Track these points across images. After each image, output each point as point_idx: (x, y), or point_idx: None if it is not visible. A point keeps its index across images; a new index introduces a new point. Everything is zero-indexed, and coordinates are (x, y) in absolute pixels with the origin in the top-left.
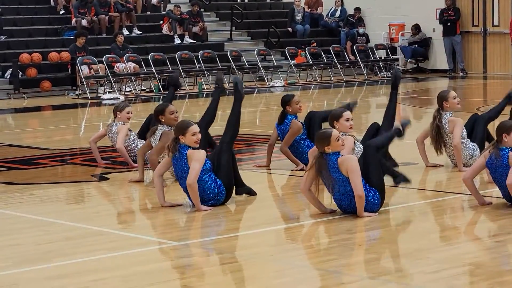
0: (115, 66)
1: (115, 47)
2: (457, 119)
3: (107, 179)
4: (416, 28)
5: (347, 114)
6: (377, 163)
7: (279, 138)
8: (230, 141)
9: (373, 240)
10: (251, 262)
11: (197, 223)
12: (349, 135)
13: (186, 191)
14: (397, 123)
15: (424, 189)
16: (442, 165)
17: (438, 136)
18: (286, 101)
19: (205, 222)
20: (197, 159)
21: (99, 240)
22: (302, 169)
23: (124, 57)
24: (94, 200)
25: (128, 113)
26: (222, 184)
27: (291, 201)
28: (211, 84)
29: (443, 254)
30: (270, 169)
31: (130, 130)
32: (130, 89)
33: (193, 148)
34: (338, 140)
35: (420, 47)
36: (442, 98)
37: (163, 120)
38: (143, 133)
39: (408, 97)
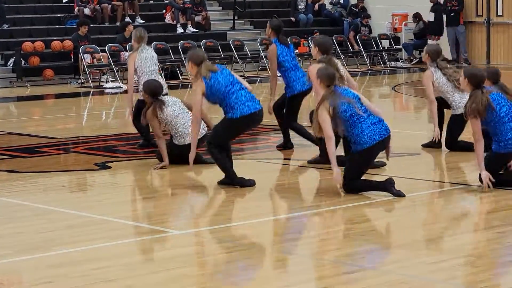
0: (121, 55)
1: (121, 39)
2: (426, 73)
3: (109, 167)
4: (417, 17)
5: None
6: None
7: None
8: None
9: (374, 230)
10: (251, 251)
11: (199, 212)
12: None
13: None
14: None
15: (425, 180)
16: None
17: None
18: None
19: (206, 211)
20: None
21: (101, 229)
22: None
23: (127, 46)
24: (96, 189)
25: None
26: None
27: (291, 191)
28: None
29: (443, 245)
30: (271, 159)
31: None
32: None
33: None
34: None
35: (420, 38)
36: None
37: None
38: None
39: (411, 87)
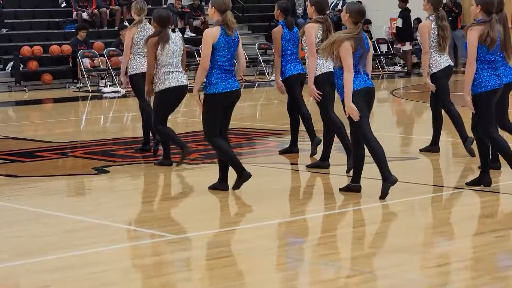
0: (119, 59)
1: (118, 43)
2: (425, 22)
3: (108, 172)
4: (419, 23)
5: None
6: None
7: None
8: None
9: (373, 234)
10: (250, 256)
11: (196, 216)
12: None
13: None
14: None
15: (424, 184)
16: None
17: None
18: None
19: (203, 216)
20: None
21: (99, 233)
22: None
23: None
24: (94, 193)
25: None
26: None
27: (290, 196)
28: None
29: (443, 249)
30: (269, 164)
31: None
32: None
33: None
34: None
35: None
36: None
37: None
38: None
39: (409, 92)
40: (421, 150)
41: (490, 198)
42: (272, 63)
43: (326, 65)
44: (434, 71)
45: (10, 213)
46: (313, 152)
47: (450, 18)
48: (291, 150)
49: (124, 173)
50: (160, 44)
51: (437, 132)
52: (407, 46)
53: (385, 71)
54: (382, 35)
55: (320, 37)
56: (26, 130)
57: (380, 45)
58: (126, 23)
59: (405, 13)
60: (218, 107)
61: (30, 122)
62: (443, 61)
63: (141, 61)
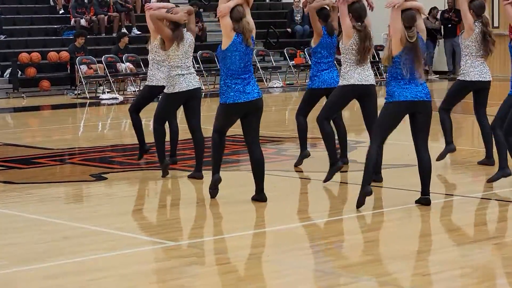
0: (117, 65)
1: (116, 50)
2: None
3: (105, 178)
4: None
5: None
6: None
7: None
8: None
9: (371, 241)
10: (249, 262)
11: (195, 223)
12: None
13: None
14: None
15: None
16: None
17: None
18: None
19: (202, 223)
20: None
21: (97, 240)
22: None
23: (123, 57)
24: (92, 200)
25: None
26: None
27: (287, 203)
28: (209, 84)
29: (440, 256)
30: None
31: None
32: (134, 90)
33: None
34: None
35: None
36: None
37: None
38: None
39: None
40: (479, 163)
41: (487, 206)
42: (270, 69)
43: (356, 77)
44: (463, 78)
45: (7, 220)
46: (298, 163)
47: (450, 25)
48: (306, 154)
49: (122, 180)
50: (175, 43)
51: (486, 143)
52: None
53: (383, 78)
54: (380, 41)
55: (357, 45)
56: (24, 137)
57: (378, 51)
58: (124, 30)
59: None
60: (229, 116)
61: (28, 128)
62: (473, 71)
63: (160, 73)
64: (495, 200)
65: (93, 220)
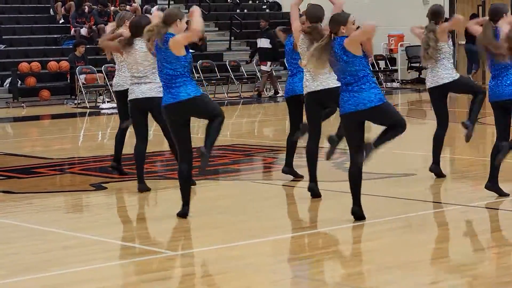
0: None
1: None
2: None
3: (105, 188)
4: None
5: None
6: None
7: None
8: None
9: (370, 251)
10: (246, 272)
11: (193, 233)
12: None
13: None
14: None
15: (422, 200)
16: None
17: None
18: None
19: (201, 233)
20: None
21: (97, 250)
22: None
23: None
24: (92, 209)
25: None
26: None
27: (287, 212)
28: (209, 94)
29: (440, 265)
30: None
31: None
32: None
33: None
34: (353, 24)
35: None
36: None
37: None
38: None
39: (405, 107)
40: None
41: (487, 215)
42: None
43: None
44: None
45: (7, 230)
46: (284, 170)
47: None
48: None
49: (122, 190)
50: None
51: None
52: (267, 67)
53: (383, 88)
54: (379, 51)
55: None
56: (23, 146)
57: (378, 61)
58: None
59: (269, 32)
60: None
61: (28, 138)
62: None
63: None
64: (495, 209)
65: (92, 229)
